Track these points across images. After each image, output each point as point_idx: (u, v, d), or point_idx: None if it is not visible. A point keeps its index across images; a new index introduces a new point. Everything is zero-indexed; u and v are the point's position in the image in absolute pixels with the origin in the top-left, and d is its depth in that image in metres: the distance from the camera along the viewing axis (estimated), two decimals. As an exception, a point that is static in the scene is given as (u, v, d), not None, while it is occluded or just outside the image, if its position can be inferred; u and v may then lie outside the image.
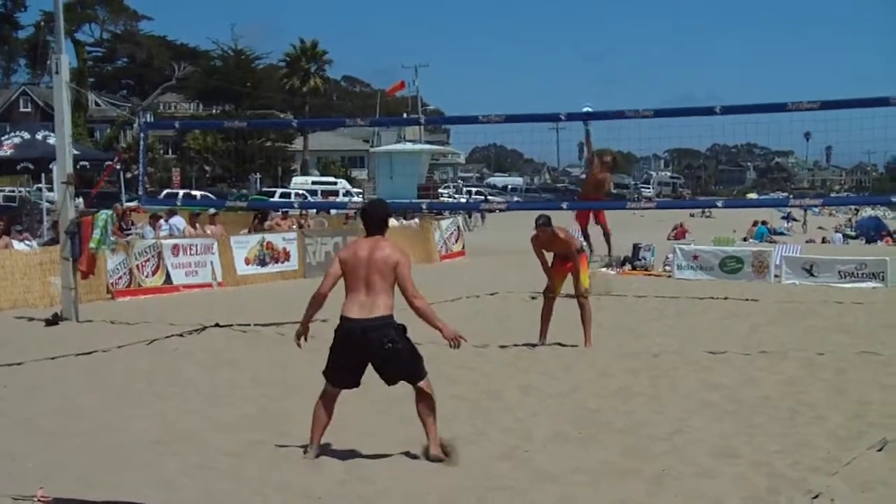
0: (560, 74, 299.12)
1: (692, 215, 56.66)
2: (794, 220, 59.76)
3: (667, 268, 25.72)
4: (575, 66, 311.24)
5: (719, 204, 14.71)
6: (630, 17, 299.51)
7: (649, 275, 25.59)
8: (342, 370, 8.07)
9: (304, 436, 8.49)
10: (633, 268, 26.64)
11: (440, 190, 62.96)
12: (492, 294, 20.47)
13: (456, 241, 32.51)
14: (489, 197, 71.07)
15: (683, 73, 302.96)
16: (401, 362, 7.92)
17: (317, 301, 8.14)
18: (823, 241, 45.29)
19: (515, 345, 13.69)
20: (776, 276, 23.73)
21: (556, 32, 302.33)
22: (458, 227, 33.31)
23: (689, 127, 16.50)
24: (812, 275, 23.21)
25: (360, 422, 9.14)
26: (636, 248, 27.47)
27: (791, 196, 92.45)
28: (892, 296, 20.45)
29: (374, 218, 8.33)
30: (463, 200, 61.83)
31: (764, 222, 46.59)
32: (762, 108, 14.63)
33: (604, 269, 22.92)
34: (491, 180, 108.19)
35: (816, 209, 63.38)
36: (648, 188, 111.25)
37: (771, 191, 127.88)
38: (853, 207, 66.63)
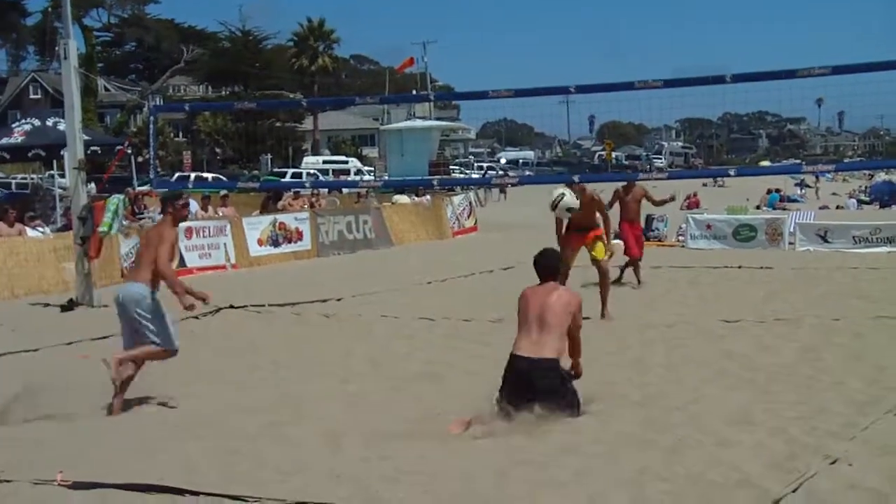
0: (568, 48, 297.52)
1: (705, 185, 56.57)
2: (808, 186, 59.59)
3: (680, 238, 25.68)
4: (581, 39, 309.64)
5: (731, 172, 14.65)
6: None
7: (662, 245, 25.55)
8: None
9: (322, 417, 8.51)
10: (647, 239, 26.57)
11: (451, 166, 62.91)
12: (505, 269, 20.44)
13: (468, 217, 32.51)
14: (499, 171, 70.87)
15: (694, 43, 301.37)
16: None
17: None
18: (838, 207, 45.15)
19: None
20: (790, 243, 23.68)
21: (563, 4, 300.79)
22: (471, 202, 33.30)
23: (699, 96, 16.41)
24: (826, 241, 23.15)
25: (376, 400, 9.15)
26: (649, 218, 27.41)
27: (804, 163, 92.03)
28: (907, 260, 20.39)
29: (543, 268, 8.69)
30: (475, 176, 61.77)
31: (777, 190, 46.45)
32: (773, 76, 14.52)
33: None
34: (502, 155, 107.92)
35: (829, 175, 63.10)
36: (660, 158, 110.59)
37: (784, 158, 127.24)
38: (867, 172, 66.35)
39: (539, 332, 8.11)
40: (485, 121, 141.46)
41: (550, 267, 8.72)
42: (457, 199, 32.31)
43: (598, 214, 14.04)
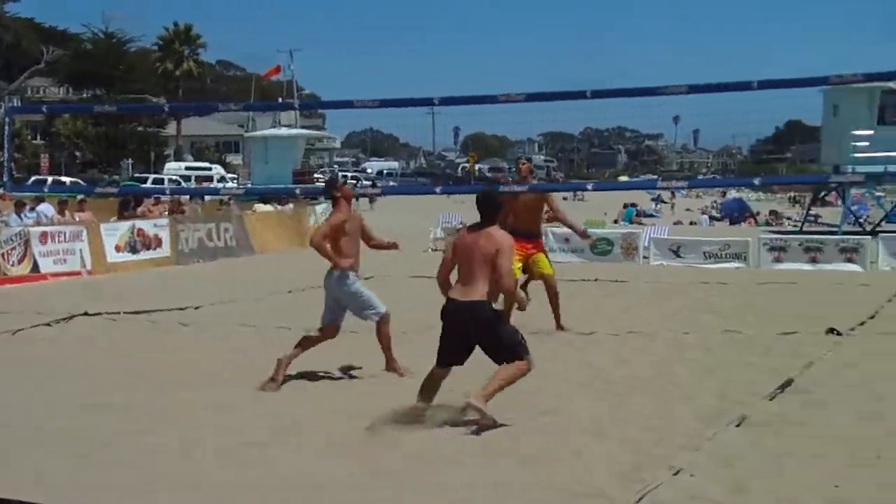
0: (435, 56, 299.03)
1: (565, 198, 57.44)
2: (664, 202, 61.12)
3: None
4: (451, 49, 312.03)
5: (589, 187, 14.90)
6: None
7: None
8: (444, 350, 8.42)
9: (178, 424, 8.34)
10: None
11: (315, 175, 62.57)
12: (367, 278, 20.33)
13: (332, 225, 32.28)
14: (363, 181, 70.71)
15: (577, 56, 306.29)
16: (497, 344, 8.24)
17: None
18: (691, 223, 46.42)
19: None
20: (645, 257, 24.20)
21: (433, 15, 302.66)
22: (334, 211, 33.11)
23: (561, 111, 16.62)
24: (679, 256, 23.72)
25: (235, 408, 9.01)
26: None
27: (660, 178, 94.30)
28: (754, 276, 21.03)
29: (486, 206, 8.48)
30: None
31: (633, 204, 47.51)
32: (631, 93, 14.89)
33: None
34: (367, 164, 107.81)
35: (684, 192, 64.84)
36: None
37: (642, 173, 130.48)
38: (720, 189, 68.41)
39: (468, 276, 8.24)
40: (350, 130, 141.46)
41: (490, 207, 8.47)
42: (319, 209, 32.09)
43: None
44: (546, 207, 14.09)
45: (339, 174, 69.32)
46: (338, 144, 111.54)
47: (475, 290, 8.20)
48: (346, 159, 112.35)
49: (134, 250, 23.27)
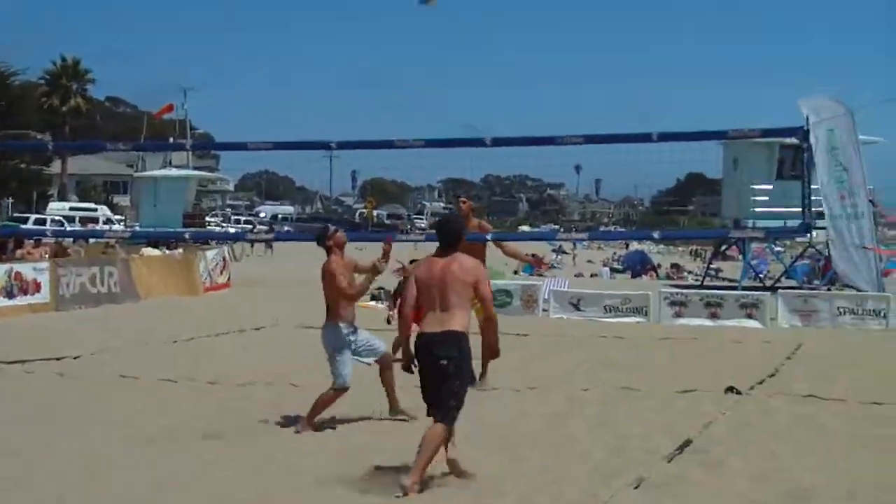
0: (336, 98, 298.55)
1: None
2: (565, 252, 61.59)
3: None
4: (352, 90, 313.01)
5: (488, 237, 14.93)
6: (410, 37, 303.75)
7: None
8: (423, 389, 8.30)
9: (51, 476, 8.11)
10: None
11: (207, 218, 61.95)
12: (257, 329, 20.17)
13: (221, 272, 31.91)
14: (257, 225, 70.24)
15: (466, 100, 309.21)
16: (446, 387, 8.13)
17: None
18: (592, 275, 46.86)
19: (289, 384, 13.48)
20: (545, 310, 24.33)
21: (334, 57, 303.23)
22: (224, 257, 32.74)
23: (461, 159, 16.70)
24: (579, 309, 23.86)
25: (110, 462, 8.79)
26: (402, 282, 27.61)
27: (561, 229, 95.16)
28: (654, 331, 21.28)
29: (448, 234, 8.46)
30: (232, 230, 60.91)
31: (534, 255, 47.79)
32: (532, 141, 15.05)
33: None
34: (261, 208, 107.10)
35: (585, 243, 65.56)
36: (422, 219, 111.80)
37: (543, 223, 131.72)
38: (622, 241, 69.38)
39: (444, 305, 8.12)
40: (244, 171, 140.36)
41: (451, 233, 8.45)
42: (210, 254, 31.69)
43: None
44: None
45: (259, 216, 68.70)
46: (231, 187, 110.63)
47: (453, 319, 8.08)
48: (239, 202, 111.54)
49: (10, 295, 22.63)
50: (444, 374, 8.06)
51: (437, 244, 8.51)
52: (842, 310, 22.34)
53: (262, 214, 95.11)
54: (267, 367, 14.97)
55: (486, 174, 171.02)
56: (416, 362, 8.30)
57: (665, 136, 14.34)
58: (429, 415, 8.27)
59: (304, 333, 18.15)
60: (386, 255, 10.52)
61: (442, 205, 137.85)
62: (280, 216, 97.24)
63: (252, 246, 46.80)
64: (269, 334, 19.62)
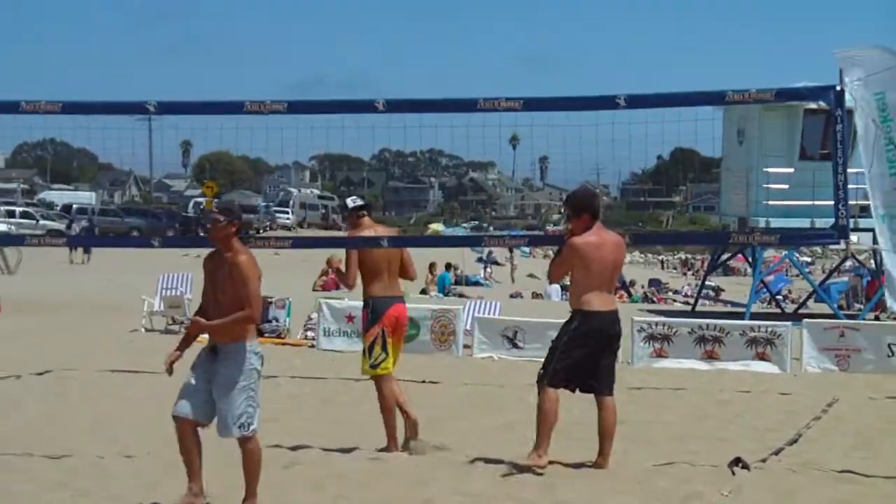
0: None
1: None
2: (497, 263, 61.50)
3: (309, 333, 25.85)
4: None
5: (384, 243, 14.65)
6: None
7: (284, 344, 25.59)
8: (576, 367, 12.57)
9: None
10: (261, 334, 26.58)
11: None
12: (40, 374, 19.87)
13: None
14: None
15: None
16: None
17: None
18: (535, 295, 46.95)
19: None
20: (466, 346, 24.24)
21: None
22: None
23: (344, 129, 16.49)
24: (516, 346, 23.80)
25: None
26: (266, 303, 27.48)
27: (489, 228, 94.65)
28: (625, 376, 21.20)
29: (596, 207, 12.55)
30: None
31: (450, 266, 47.69)
32: (446, 106, 15.01)
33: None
34: (47, 195, 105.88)
35: (527, 250, 65.68)
36: (287, 214, 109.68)
37: (463, 219, 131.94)
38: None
39: (609, 287, 12.45)
40: (20, 141, 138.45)
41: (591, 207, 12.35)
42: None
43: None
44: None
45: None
46: (0, 163, 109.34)
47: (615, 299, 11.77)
48: (12, 185, 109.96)
49: None
50: (614, 351, 12.88)
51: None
52: (894, 348, 22.56)
53: (55, 205, 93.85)
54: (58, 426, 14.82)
55: (381, 149, 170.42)
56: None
57: (637, 101, 14.34)
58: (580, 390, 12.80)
59: (106, 379, 17.94)
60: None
61: (316, 192, 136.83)
62: (75, 207, 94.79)
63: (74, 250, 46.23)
64: (61, 383, 19.35)
